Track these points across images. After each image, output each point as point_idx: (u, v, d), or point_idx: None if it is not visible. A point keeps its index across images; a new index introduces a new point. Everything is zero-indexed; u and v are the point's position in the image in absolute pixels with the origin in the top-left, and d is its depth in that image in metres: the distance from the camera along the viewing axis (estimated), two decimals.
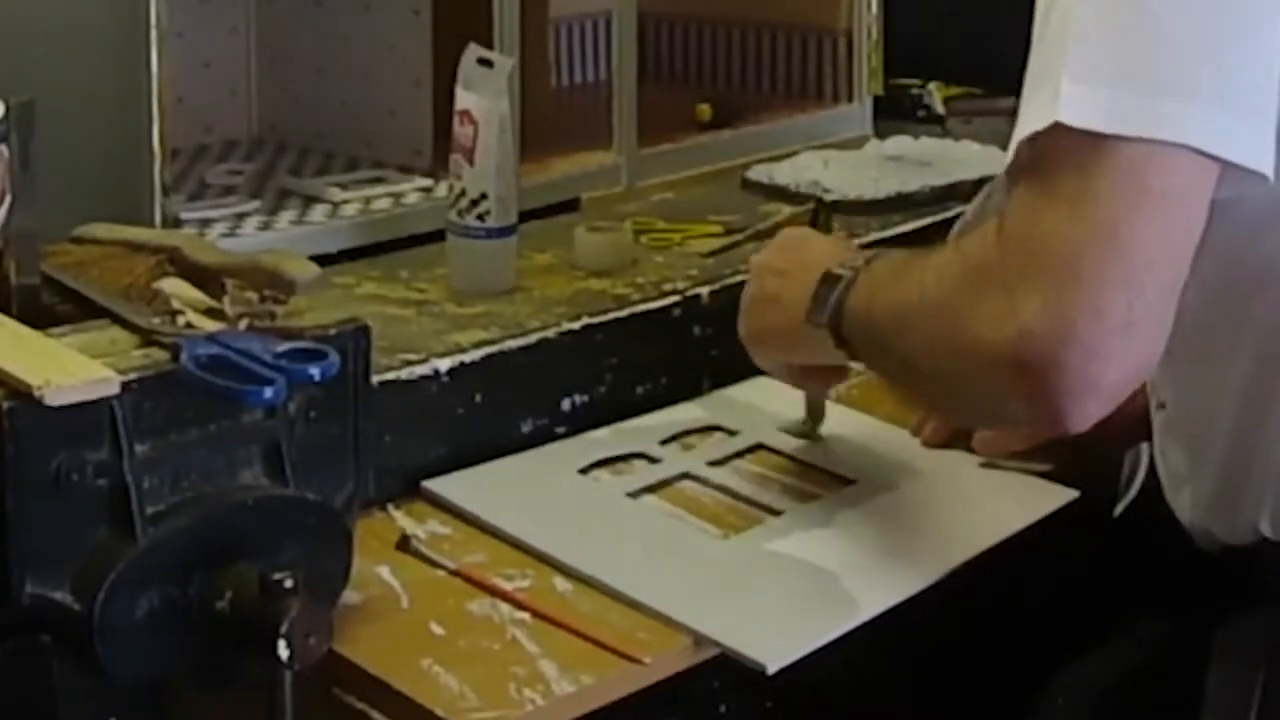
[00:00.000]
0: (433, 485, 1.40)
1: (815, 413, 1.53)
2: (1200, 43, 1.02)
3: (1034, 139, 1.04)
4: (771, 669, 1.19)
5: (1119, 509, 1.37)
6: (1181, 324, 1.05)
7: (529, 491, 1.42)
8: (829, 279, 1.24)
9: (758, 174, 1.98)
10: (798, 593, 1.28)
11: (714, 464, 1.48)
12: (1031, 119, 1.04)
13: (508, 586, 1.27)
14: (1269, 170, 1.03)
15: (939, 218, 1.84)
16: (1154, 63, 1.02)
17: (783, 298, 1.32)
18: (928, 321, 1.11)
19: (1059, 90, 1.02)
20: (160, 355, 1.10)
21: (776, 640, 1.21)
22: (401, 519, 1.37)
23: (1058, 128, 1.02)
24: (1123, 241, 1.01)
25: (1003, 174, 1.13)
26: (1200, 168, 1.03)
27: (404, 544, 1.32)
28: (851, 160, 2.03)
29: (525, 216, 1.69)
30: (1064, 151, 1.02)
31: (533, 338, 1.50)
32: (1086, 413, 1.04)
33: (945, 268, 1.11)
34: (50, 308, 1.20)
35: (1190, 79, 1.02)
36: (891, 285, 1.18)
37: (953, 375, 1.10)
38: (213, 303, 1.18)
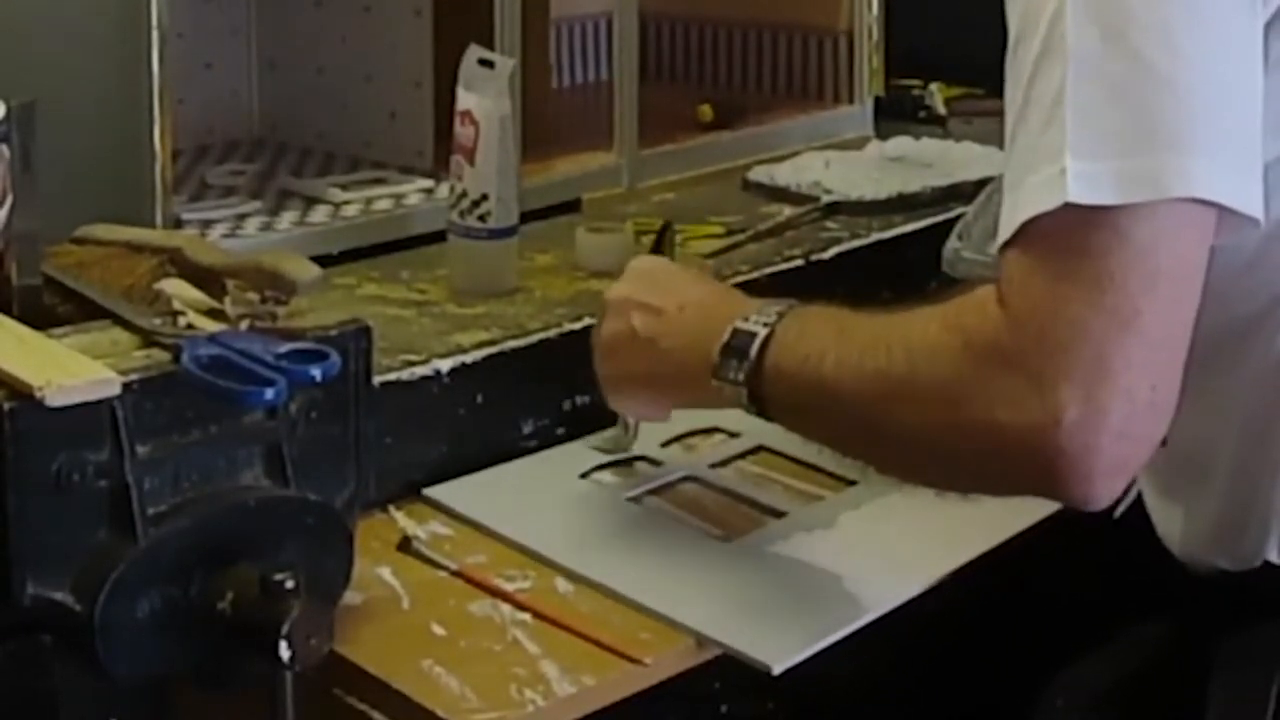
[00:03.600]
0: (434, 493, 1.40)
1: (633, 427, 1.49)
2: (1200, 96, 1.02)
3: (1039, 218, 1.03)
4: (776, 670, 1.19)
5: (1119, 510, 1.37)
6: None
7: (531, 497, 1.41)
8: (740, 335, 1.20)
9: (759, 175, 1.98)
10: (801, 594, 1.28)
11: (716, 465, 1.48)
12: (1036, 198, 1.03)
13: (509, 587, 1.27)
14: (1261, 216, 1.04)
15: (940, 218, 1.84)
16: (1156, 125, 1.02)
17: (661, 342, 1.27)
18: (924, 398, 1.08)
19: (1065, 169, 1.02)
20: (161, 356, 1.10)
21: (781, 641, 1.21)
22: (402, 520, 1.37)
23: (1067, 208, 1.01)
24: (1141, 326, 1.01)
25: (992, 194, 1.13)
26: (1204, 222, 1.03)
27: (405, 545, 1.32)
28: (852, 161, 2.03)
29: (526, 217, 1.69)
30: (1076, 231, 1.02)
31: (534, 338, 1.50)
32: (1112, 491, 1.05)
33: (938, 342, 1.08)
34: (51, 308, 1.20)
35: (1191, 133, 1.02)
36: (854, 352, 1.13)
37: (958, 454, 1.08)
38: (214, 303, 1.18)
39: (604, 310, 1.33)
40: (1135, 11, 1.02)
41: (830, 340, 1.15)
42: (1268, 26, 1.06)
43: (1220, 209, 1.02)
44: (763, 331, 1.19)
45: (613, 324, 1.31)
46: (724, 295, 1.30)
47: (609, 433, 1.49)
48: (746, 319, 1.20)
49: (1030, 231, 1.04)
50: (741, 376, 1.19)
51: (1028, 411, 1.02)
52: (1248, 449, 1.18)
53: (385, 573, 1.29)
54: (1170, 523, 1.27)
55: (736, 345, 1.20)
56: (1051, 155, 1.03)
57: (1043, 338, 1.02)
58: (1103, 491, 1.04)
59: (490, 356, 1.47)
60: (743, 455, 1.51)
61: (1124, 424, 1.02)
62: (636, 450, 1.49)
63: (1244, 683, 1.18)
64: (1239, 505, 1.19)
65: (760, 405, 1.20)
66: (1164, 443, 1.22)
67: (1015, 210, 1.05)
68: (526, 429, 1.49)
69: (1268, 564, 1.19)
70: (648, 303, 1.29)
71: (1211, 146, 1.02)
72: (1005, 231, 1.06)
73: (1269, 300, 1.14)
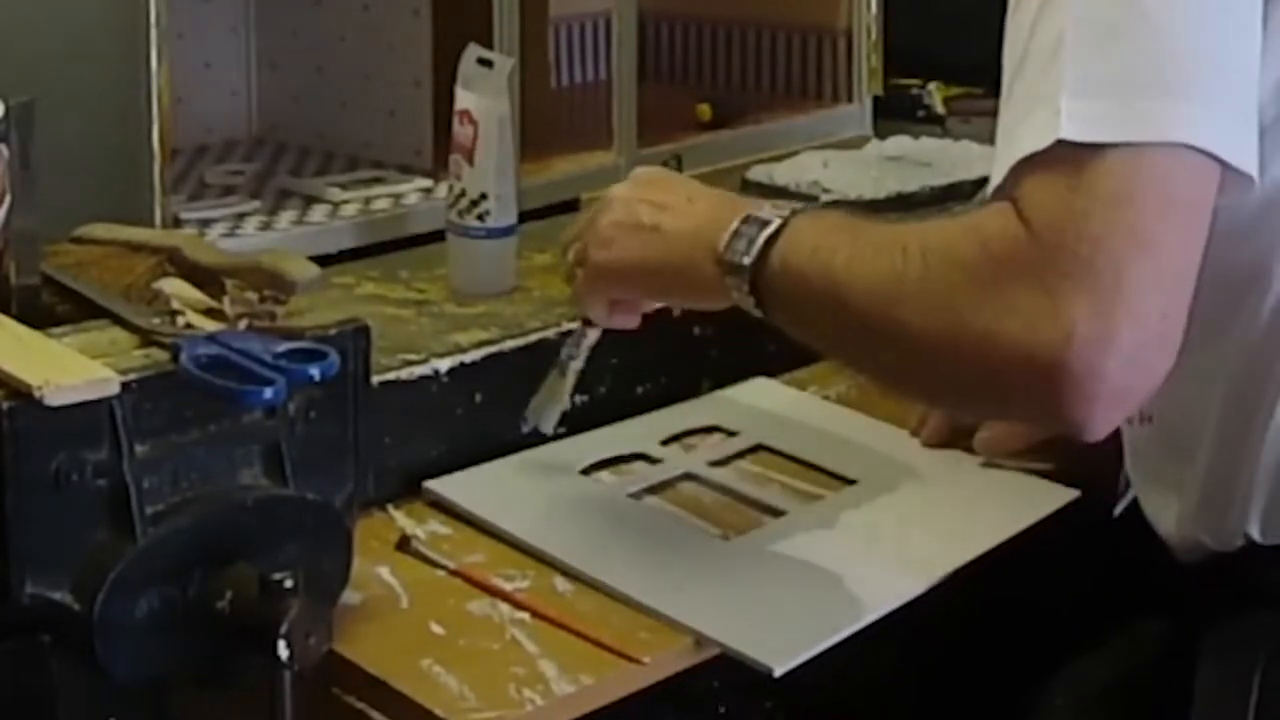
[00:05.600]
0: (434, 485, 1.40)
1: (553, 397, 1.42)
2: (1197, 47, 1.03)
3: (1037, 158, 1.03)
4: (778, 671, 1.19)
5: (1119, 509, 1.37)
6: None
7: (531, 493, 1.41)
8: (752, 220, 1.18)
9: (757, 174, 1.98)
10: (802, 594, 1.28)
11: (715, 464, 1.48)
12: (1032, 138, 1.03)
13: (507, 586, 1.27)
14: (1256, 173, 1.04)
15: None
16: (1155, 70, 1.02)
17: (665, 227, 1.25)
18: (934, 301, 1.05)
19: (1060, 109, 1.02)
20: (160, 355, 1.10)
21: (782, 642, 1.21)
22: (401, 519, 1.37)
23: (1060, 145, 1.01)
24: (1156, 250, 1.00)
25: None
26: (1208, 170, 1.03)
27: (404, 544, 1.32)
28: (851, 160, 2.03)
29: (525, 216, 1.68)
30: (1092, 156, 1.01)
31: (532, 338, 1.50)
32: (1111, 420, 1.03)
33: (956, 245, 1.06)
34: (50, 308, 1.20)
35: (1191, 82, 1.02)
36: (868, 250, 1.11)
37: (958, 364, 1.06)
38: (213, 303, 1.18)
39: (606, 204, 1.31)
40: None
41: (844, 237, 1.13)
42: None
43: (1217, 162, 1.02)
44: (776, 221, 1.17)
45: (614, 214, 1.29)
46: (729, 197, 1.29)
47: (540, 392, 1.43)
48: (760, 209, 1.19)
49: (1032, 163, 1.03)
50: (747, 260, 1.17)
51: (1039, 325, 1.00)
52: (1230, 423, 1.18)
53: (384, 572, 1.29)
54: (1155, 502, 1.28)
55: (745, 232, 1.18)
56: (1048, 97, 1.03)
57: (1061, 251, 1.00)
58: (1101, 417, 1.02)
59: (489, 356, 1.46)
60: (742, 454, 1.51)
61: (1132, 348, 1.00)
62: (635, 448, 1.49)
63: (1228, 671, 1.18)
64: (1221, 480, 1.19)
65: (759, 298, 1.17)
66: (1150, 419, 1.22)
67: (1011, 149, 1.05)
68: (525, 428, 1.48)
69: (1250, 542, 1.19)
70: (652, 198, 1.27)
71: (1209, 98, 1.02)
72: (999, 174, 1.05)
73: (1255, 272, 1.14)
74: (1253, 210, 1.09)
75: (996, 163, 1.06)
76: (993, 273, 1.03)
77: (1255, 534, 1.19)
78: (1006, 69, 1.09)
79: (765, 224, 1.17)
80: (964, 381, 1.08)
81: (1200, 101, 1.01)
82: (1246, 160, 1.03)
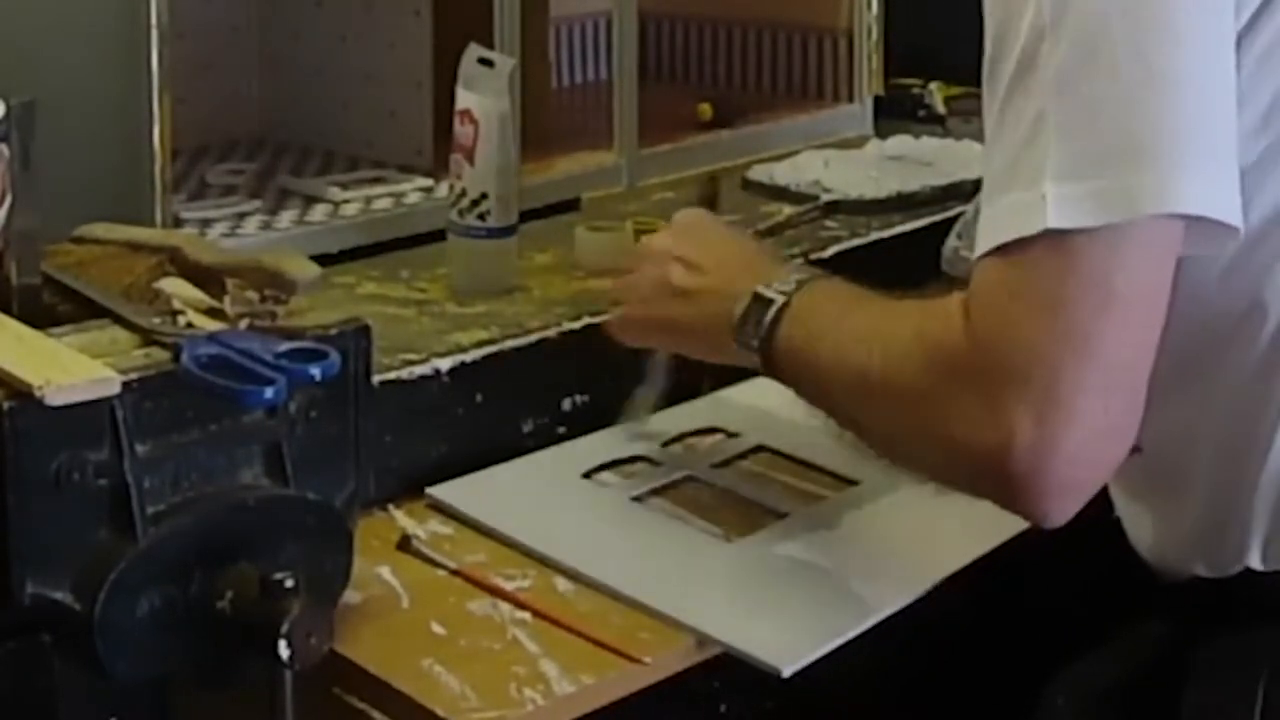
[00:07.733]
0: (437, 492, 1.40)
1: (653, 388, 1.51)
2: (1178, 113, 1.02)
3: (1018, 240, 1.03)
4: (786, 672, 1.19)
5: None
6: (1159, 370, 1.05)
7: (534, 498, 1.41)
8: (759, 301, 1.23)
9: (758, 174, 1.98)
10: (807, 594, 1.28)
11: (717, 466, 1.48)
12: (1016, 220, 1.03)
13: (508, 586, 1.27)
14: (1241, 224, 1.04)
15: (940, 217, 1.83)
16: (1134, 143, 1.02)
17: (693, 296, 1.31)
18: (893, 402, 1.11)
19: (1045, 194, 1.02)
20: (161, 355, 1.10)
21: (789, 643, 1.21)
22: (402, 519, 1.37)
23: (1047, 233, 1.02)
24: (1094, 350, 1.02)
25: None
26: (1172, 238, 1.03)
27: (404, 544, 1.32)
28: (852, 160, 2.03)
29: (526, 216, 1.68)
30: (1040, 254, 1.02)
31: (533, 337, 1.50)
32: (1068, 510, 1.07)
33: (907, 350, 1.10)
34: (51, 308, 1.20)
35: (1171, 149, 1.02)
36: (845, 342, 1.16)
37: (925, 457, 1.13)
38: (213, 302, 1.18)
39: (646, 254, 1.39)
40: (1114, 32, 1.02)
41: (830, 323, 1.19)
42: (1240, 37, 1.06)
43: (1200, 220, 1.02)
44: (779, 300, 1.22)
45: (652, 271, 1.36)
46: (757, 257, 1.34)
47: (635, 402, 1.51)
48: (769, 285, 1.24)
49: (1005, 250, 1.04)
50: (755, 343, 1.23)
51: (982, 431, 1.04)
52: (1227, 455, 1.17)
53: (385, 572, 1.29)
54: (1142, 528, 1.27)
55: (754, 311, 1.23)
56: (1032, 176, 1.03)
57: (998, 360, 1.04)
58: (1054, 511, 1.06)
59: (490, 356, 1.46)
60: (744, 455, 1.50)
61: (1076, 448, 1.03)
62: (637, 450, 1.49)
63: (1229, 689, 1.18)
64: (1218, 512, 1.18)
65: (772, 372, 1.24)
66: (1139, 449, 1.22)
67: (994, 230, 1.05)
68: (526, 428, 1.49)
69: (1248, 570, 1.18)
70: (687, 257, 1.33)
71: (1191, 160, 1.02)
72: (982, 246, 1.06)
73: (1248, 306, 1.13)
74: (1236, 249, 1.09)
75: (981, 232, 1.07)
76: (937, 379, 1.08)
77: (1255, 563, 1.18)
78: (986, 118, 1.09)
79: (769, 304, 1.22)
80: (933, 472, 1.16)
81: (1180, 165, 1.02)
82: (1229, 213, 1.03)
